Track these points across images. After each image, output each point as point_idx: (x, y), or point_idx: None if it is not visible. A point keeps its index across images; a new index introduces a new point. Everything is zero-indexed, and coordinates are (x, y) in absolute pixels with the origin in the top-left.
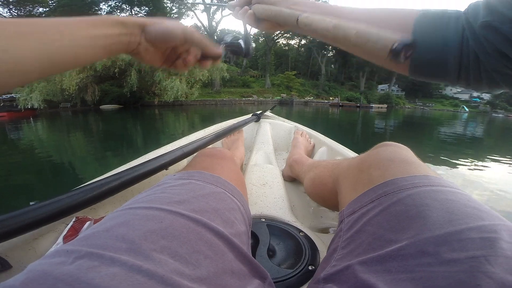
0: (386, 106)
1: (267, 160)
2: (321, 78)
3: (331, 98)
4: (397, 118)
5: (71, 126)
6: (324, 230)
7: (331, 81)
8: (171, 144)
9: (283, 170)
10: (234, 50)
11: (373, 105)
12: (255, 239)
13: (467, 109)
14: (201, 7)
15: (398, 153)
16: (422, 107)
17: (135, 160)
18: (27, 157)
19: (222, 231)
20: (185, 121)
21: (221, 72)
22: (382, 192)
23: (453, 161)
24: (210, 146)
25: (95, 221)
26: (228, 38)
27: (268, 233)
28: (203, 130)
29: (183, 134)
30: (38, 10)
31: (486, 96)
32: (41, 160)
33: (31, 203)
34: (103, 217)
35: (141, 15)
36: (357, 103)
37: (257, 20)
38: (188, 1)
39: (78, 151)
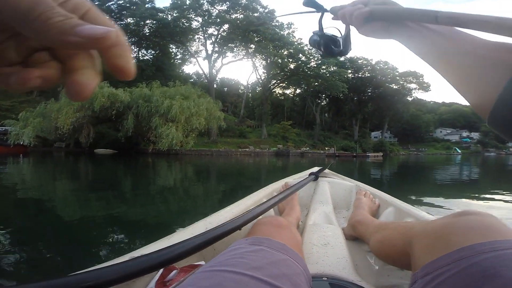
0: (381, 154)
1: (327, 220)
2: (316, 127)
3: (326, 148)
4: (393, 166)
5: (62, 170)
6: None
7: (325, 131)
8: (238, 203)
9: (344, 228)
10: (328, 44)
11: (369, 154)
12: None
13: (459, 151)
14: (203, 54)
15: (481, 221)
16: (416, 152)
17: (210, 216)
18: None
19: None
20: (177, 173)
21: (218, 121)
22: (458, 256)
23: (451, 202)
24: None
25: (180, 270)
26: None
27: None
28: (264, 189)
29: (174, 187)
30: None
31: (476, 136)
32: (16, 206)
33: (139, 254)
34: (185, 266)
35: (147, 57)
36: (353, 153)
37: (366, 20)
38: (192, 48)
39: (62, 201)
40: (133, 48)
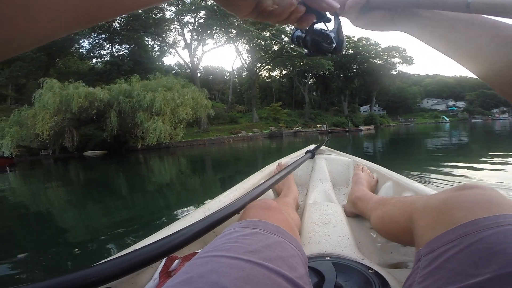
0: (373, 127)
1: (327, 198)
2: (306, 106)
3: (318, 125)
4: (386, 138)
5: (54, 177)
6: (396, 266)
7: (315, 109)
8: (236, 187)
9: (344, 206)
10: (317, 41)
11: (362, 127)
12: (320, 277)
13: (447, 119)
14: (182, 44)
15: (482, 195)
16: (405, 123)
17: (209, 202)
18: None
19: (289, 276)
20: (171, 167)
21: (207, 109)
22: (462, 232)
23: (446, 169)
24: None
25: (182, 259)
26: (313, 28)
27: (334, 271)
28: (261, 170)
29: (171, 181)
30: None
31: (461, 104)
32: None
33: (135, 247)
34: (187, 255)
35: (122, 53)
36: (345, 128)
37: (364, 10)
38: (169, 39)
39: (60, 206)
40: (106, 44)
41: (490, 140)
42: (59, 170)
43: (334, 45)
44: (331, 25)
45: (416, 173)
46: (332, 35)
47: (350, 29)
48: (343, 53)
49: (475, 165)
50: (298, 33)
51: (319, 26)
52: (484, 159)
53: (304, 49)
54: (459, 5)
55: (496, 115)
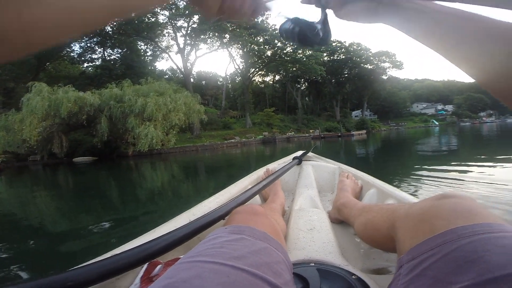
0: (365, 132)
1: (312, 204)
2: (299, 112)
3: (311, 131)
4: (377, 142)
5: (42, 183)
6: (379, 272)
7: (308, 114)
8: (222, 192)
9: (329, 212)
10: (304, 33)
11: (354, 132)
12: (305, 283)
13: (436, 123)
14: (175, 48)
15: (461, 204)
16: (396, 127)
17: (195, 207)
18: None
19: (274, 282)
20: (163, 172)
21: (199, 115)
22: (441, 240)
23: (437, 171)
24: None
25: (165, 264)
26: (300, 19)
27: (318, 277)
28: (249, 176)
29: (162, 187)
30: None
31: (450, 108)
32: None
33: (119, 251)
34: (170, 260)
35: (114, 57)
36: (337, 133)
37: (347, 0)
38: (162, 43)
39: (45, 211)
40: (97, 48)
41: (478, 143)
42: (47, 176)
43: (320, 36)
44: (318, 17)
45: (404, 178)
46: (319, 26)
47: (343, 35)
48: (336, 57)
49: (463, 170)
50: (285, 25)
51: (306, 18)
52: (472, 163)
53: (293, 41)
54: None
55: (483, 118)
